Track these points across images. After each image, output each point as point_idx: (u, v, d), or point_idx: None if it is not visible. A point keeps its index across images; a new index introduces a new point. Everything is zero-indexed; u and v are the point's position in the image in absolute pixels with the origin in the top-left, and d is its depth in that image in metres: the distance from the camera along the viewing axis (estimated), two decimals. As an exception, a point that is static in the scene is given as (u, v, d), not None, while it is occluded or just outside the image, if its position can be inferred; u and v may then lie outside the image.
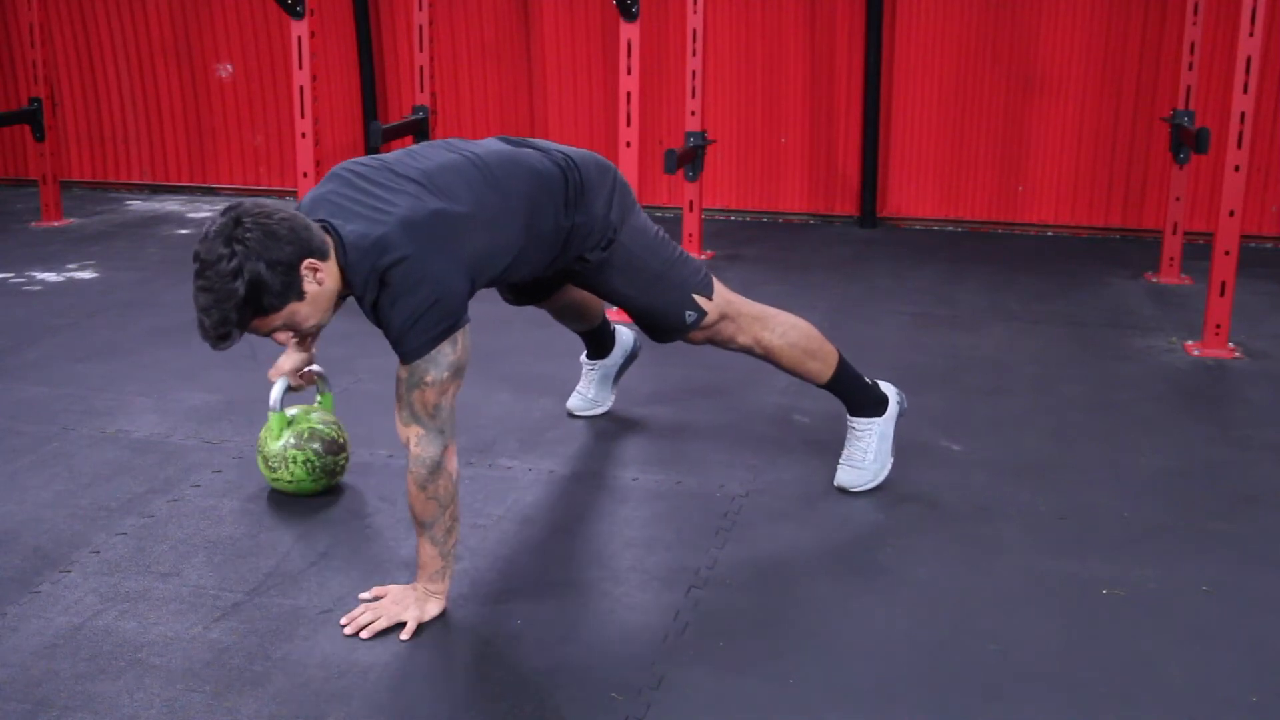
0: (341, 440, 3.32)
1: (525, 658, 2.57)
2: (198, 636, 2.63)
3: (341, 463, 3.33)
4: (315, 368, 3.29)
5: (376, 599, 2.73)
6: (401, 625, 2.65)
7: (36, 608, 2.74)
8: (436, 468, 2.62)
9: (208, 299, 2.40)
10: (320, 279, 2.49)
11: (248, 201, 2.49)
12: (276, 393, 3.24)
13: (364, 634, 2.62)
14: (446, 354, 2.59)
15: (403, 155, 2.80)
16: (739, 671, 2.51)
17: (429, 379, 2.58)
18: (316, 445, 3.25)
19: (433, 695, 2.45)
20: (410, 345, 2.57)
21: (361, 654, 2.57)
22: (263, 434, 3.31)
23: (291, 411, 3.30)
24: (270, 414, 3.27)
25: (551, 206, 2.87)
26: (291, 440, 3.24)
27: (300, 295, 2.47)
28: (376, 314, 2.60)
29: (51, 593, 2.81)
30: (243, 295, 2.39)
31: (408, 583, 2.81)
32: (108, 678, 2.47)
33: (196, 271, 2.41)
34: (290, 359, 3.21)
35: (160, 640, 2.61)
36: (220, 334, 2.42)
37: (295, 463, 3.24)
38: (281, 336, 2.53)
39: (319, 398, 3.39)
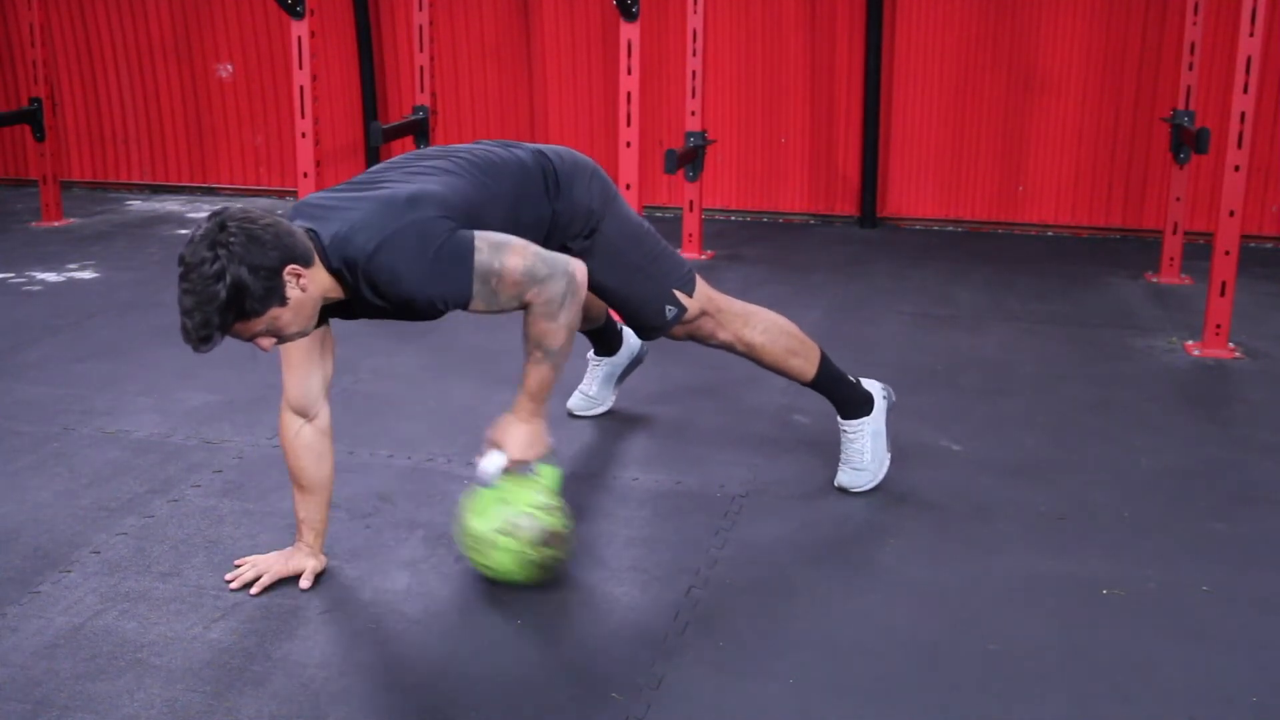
0: (560, 529, 2.78)
1: (525, 657, 2.58)
2: (198, 636, 2.63)
3: (560, 556, 2.79)
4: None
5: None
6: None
7: (37, 608, 2.74)
8: (562, 297, 2.68)
9: (190, 301, 2.42)
10: (304, 285, 2.52)
11: (234, 207, 2.51)
12: (491, 466, 2.78)
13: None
14: (484, 260, 2.62)
15: (381, 167, 2.86)
16: (739, 671, 2.52)
17: (492, 283, 2.63)
18: (530, 533, 2.73)
19: (432, 695, 2.45)
20: (455, 298, 2.63)
21: (362, 654, 2.58)
22: (467, 504, 2.83)
23: (502, 485, 2.80)
24: (479, 489, 2.81)
25: (533, 196, 2.91)
26: (499, 524, 2.74)
27: (283, 301, 2.49)
28: (387, 301, 2.63)
29: (52, 593, 2.82)
30: (224, 298, 2.40)
31: (410, 583, 2.84)
32: (108, 678, 2.47)
33: (181, 275, 2.44)
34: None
35: (160, 640, 2.61)
36: (202, 336, 2.44)
37: (502, 550, 2.73)
38: (265, 342, 2.55)
39: (539, 470, 2.87)
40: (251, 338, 2.53)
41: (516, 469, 2.78)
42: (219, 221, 2.44)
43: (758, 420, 3.91)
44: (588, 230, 3.04)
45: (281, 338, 2.57)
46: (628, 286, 3.15)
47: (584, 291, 2.74)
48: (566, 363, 2.77)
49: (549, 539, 2.75)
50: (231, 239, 2.41)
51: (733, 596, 2.82)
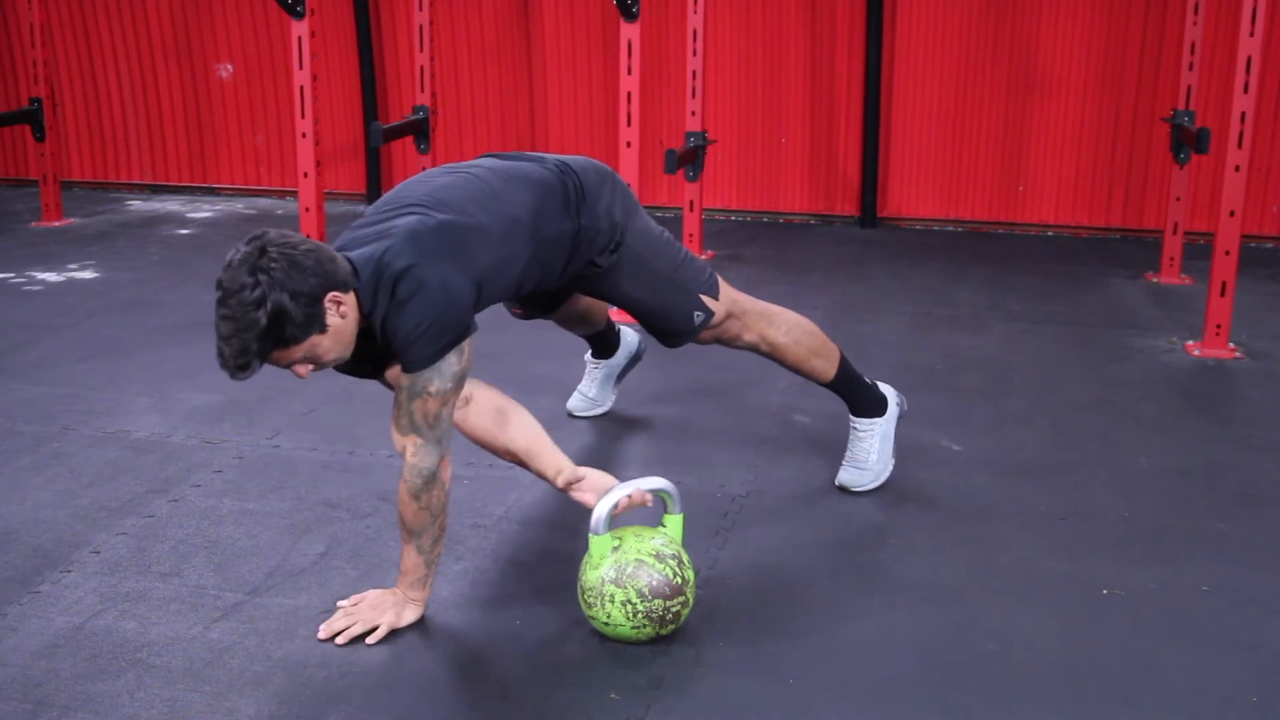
0: (679, 580, 2.61)
1: (526, 658, 2.58)
2: (198, 636, 2.63)
3: (676, 608, 2.60)
4: (658, 484, 2.72)
5: (356, 605, 2.70)
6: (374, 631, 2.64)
7: (37, 608, 2.74)
8: (431, 478, 2.61)
9: (229, 328, 2.36)
10: (344, 312, 2.47)
11: (273, 231, 2.46)
12: (600, 512, 2.64)
13: (339, 640, 2.61)
14: (451, 364, 2.58)
15: (404, 185, 2.82)
16: (739, 671, 2.52)
17: (432, 389, 2.57)
18: (643, 584, 2.57)
19: (433, 695, 2.45)
20: (416, 355, 2.55)
21: (362, 654, 2.57)
22: (585, 558, 2.68)
23: (617, 534, 2.67)
24: (591, 537, 2.65)
25: (555, 213, 2.87)
26: (612, 573, 2.59)
27: (323, 328, 2.45)
28: (384, 330, 2.57)
29: (52, 593, 2.82)
30: (265, 325, 2.36)
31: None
32: (108, 678, 2.47)
33: (219, 300, 2.38)
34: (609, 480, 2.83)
35: (161, 640, 2.61)
36: (240, 364, 2.39)
37: (613, 602, 2.58)
38: (301, 369, 2.50)
39: (665, 519, 2.73)
40: (289, 365, 2.48)
41: (637, 512, 2.73)
42: (259, 246, 2.39)
43: (758, 420, 3.91)
44: (614, 245, 3.01)
45: (319, 364, 2.53)
46: (656, 296, 3.13)
47: (443, 489, 2.63)
48: (435, 548, 2.67)
49: (665, 588, 2.57)
50: (273, 264, 2.36)
51: (733, 596, 2.82)
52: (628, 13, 5.04)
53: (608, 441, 3.79)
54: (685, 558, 2.65)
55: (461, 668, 2.55)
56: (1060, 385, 4.29)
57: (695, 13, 5.82)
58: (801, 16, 6.95)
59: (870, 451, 3.35)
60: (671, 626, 2.62)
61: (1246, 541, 3.10)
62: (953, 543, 3.09)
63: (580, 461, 3.59)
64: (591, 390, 3.92)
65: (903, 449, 3.51)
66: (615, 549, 2.62)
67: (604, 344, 3.84)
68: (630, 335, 3.89)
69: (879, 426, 3.35)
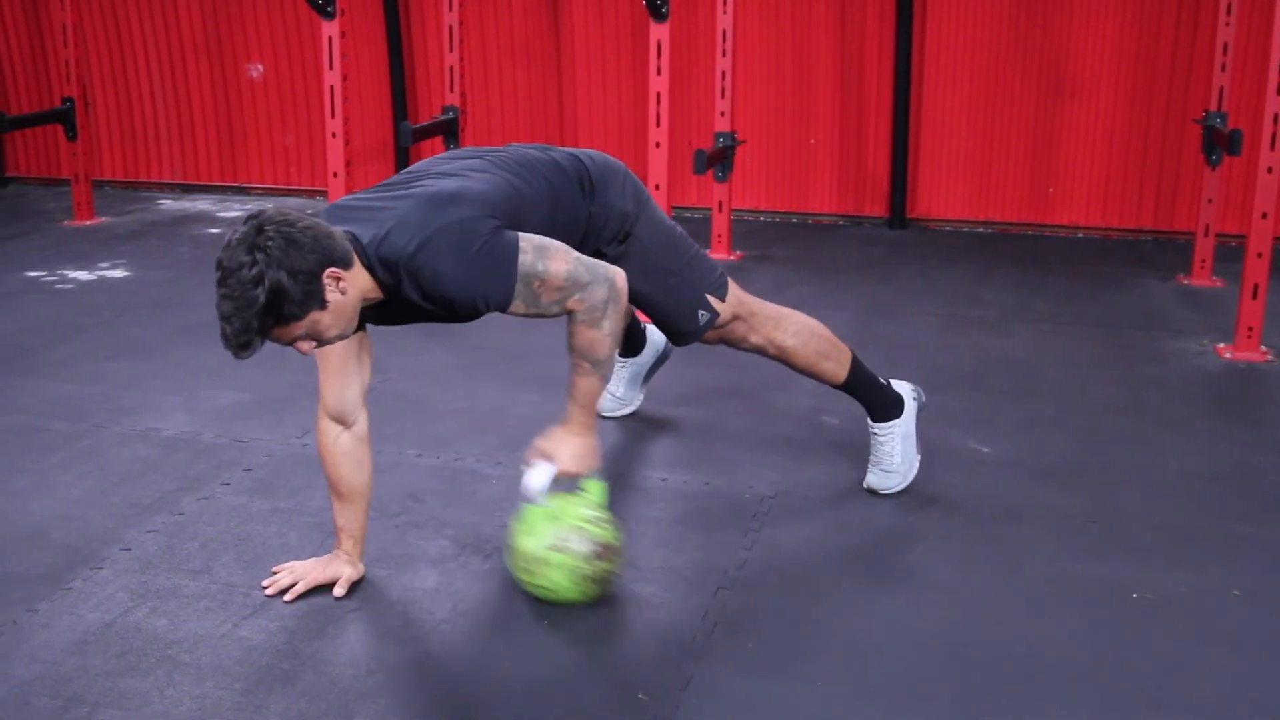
0: (612, 541, 2.75)
1: (553, 657, 2.58)
2: (228, 634, 2.64)
3: (613, 569, 2.76)
4: None
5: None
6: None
7: (68, 604, 2.76)
8: (605, 304, 2.66)
9: (229, 306, 2.39)
10: (343, 288, 2.49)
11: (271, 209, 2.47)
12: (539, 481, 2.74)
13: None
14: (528, 262, 2.59)
15: (420, 164, 2.86)
16: (767, 672, 2.51)
17: (536, 286, 2.60)
18: (583, 548, 2.69)
19: (459, 693, 2.46)
20: (498, 299, 2.60)
21: (390, 653, 2.59)
22: (515, 525, 2.78)
23: (549, 502, 2.76)
24: (526, 506, 2.77)
25: (569, 198, 2.89)
26: (551, 541, 2.69)
27: (322, 304, 2.46)
28: (430, 302, 2.60)
29: (83, 589, 2.84)
30: (264, 303, 2.38)
31: (438, 582, 2.86)
32: (138, 674, 2.49)
33: (219, 279, 2.41)
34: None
35: (190, 637, 2.63)
36: (242, 342, 2.42)
37: (556, 568, 2.69)
38: (304, 346, 2.53)
39: (585, 483, 2.83)
40: (291, 342, 2.50)
41: (566, 482, 2.76)
42: (256, 224, 2.41)
43: (786, 422, 3.90)
44: (623, 234, 3.02)
45: (321, 341, 2.55)
46: (662, 291, 3.13)
47: (625, 299, 2.71)
48: (612, 371, 2.72)
49: (601, 552, 2.70)
50: (269, 242, 2.38)
51: (761, 598, 2.82)
52: (657, 13, 5.04)
53: (635, 441, 3.79)
54: (610, 517, 2.79)
55: (489, 666, 2.56)
56: (1090, 387, 4.27)
57: (725, 13, 5.82)
58: (831, 17, 6.94)
59: (893, 454, 3.34)
60: (607, 586, 2.76)
61: (1277, 546, 3.08)
62: (980, 545, 3.08)
63: (608, 461, 3.61)
64: (619, 389, 3.92)
65: (930, 450, 3.50)
66: (549, 518, 2.72)
67: (630, 343, 3.84)
68: (657, 335, 3.89)
69: (898, 428, 3.34)
